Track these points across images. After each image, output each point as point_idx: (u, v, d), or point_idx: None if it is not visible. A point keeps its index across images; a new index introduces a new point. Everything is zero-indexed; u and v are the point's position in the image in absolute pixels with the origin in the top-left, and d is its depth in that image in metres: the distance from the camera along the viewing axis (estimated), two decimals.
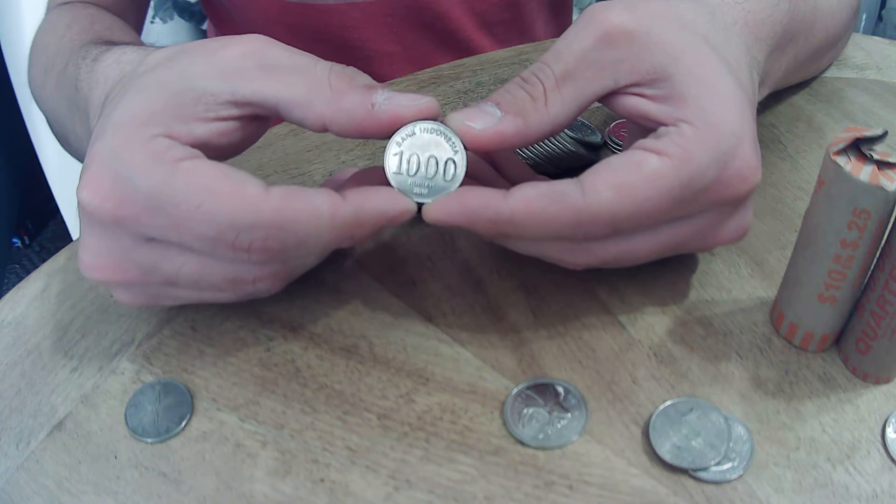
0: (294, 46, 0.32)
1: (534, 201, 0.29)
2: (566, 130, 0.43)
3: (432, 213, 0.30)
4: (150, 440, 0.31)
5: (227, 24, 0.67)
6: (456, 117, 0.30)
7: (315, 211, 0.28)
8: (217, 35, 0.71)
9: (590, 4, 0.92)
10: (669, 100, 0.30)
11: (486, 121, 0.30)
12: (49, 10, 0.57)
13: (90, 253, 0.30)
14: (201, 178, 0.28)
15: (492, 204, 0.29)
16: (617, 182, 0.29)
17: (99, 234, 0.30)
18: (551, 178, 0.42)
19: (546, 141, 0.41)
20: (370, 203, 0.29)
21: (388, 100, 0.30)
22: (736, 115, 0.30)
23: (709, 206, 0.30)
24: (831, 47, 0.47)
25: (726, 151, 0.29)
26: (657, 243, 0.31)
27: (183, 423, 0.32)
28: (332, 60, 0.32)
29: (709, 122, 0.29)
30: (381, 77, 0.63)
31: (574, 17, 0.75)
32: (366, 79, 0.31)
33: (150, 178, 0.28)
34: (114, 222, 0.29)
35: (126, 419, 0.32)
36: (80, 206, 0.29)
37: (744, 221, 0.32)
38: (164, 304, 0.34)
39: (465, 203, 0.30)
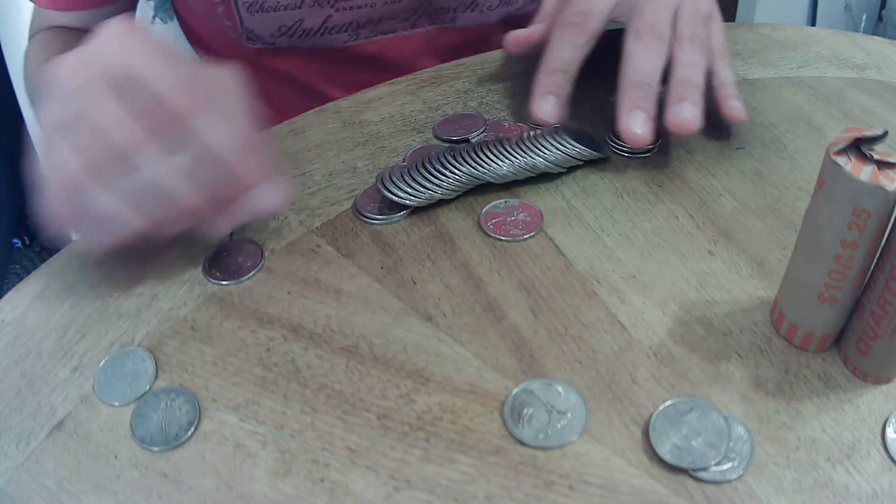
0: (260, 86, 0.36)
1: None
2: (566, 134, 0.43)
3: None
4: (157, 449, 0.31)
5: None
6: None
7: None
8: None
9: None
10: None
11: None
12: (33, 34, 0.59)
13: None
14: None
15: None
16: None
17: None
18: (552, 177, 0.42)
19: (548, 143, 0.42)
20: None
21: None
22: None
23: None
24: None
25: None
26: None
27: (191, 430, 0.31)
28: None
29: None
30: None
31: None
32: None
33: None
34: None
35: (132, 429, 0.31)
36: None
37: None
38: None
39: None
